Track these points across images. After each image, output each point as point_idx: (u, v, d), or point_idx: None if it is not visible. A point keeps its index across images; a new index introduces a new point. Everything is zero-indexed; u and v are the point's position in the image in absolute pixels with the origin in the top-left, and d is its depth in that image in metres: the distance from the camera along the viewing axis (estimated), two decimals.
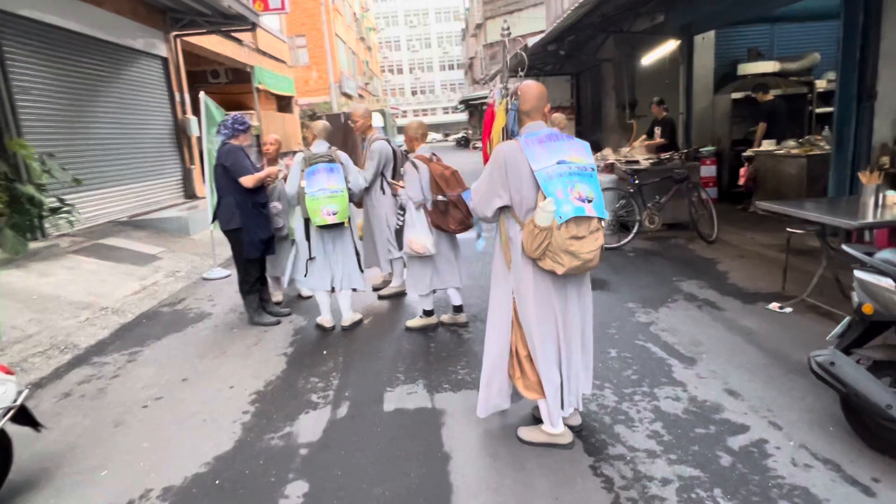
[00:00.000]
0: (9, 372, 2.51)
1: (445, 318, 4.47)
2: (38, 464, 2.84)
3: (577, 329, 2.60)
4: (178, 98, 10.55)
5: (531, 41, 10.62)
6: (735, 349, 3.63)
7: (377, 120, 21.86)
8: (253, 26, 10.51)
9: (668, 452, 2.57)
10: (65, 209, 6.39)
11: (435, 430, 2.93)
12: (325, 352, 4.12)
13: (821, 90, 9.01)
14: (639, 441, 2.68)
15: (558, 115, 7.87)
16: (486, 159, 2.70)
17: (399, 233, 4.17)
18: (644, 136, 8.72)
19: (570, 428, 2.78)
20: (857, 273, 2.47)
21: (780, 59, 9.35)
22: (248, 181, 4.38)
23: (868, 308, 2.36)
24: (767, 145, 7.94)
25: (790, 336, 3.76)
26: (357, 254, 4.56)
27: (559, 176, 2.37)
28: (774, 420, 2.77)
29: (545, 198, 2.35)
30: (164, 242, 7.74)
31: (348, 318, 4.55)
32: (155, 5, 9.67)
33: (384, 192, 5.06)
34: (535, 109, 2.56)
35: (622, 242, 6.53)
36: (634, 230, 6.58)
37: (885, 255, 2.44)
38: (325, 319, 4.54)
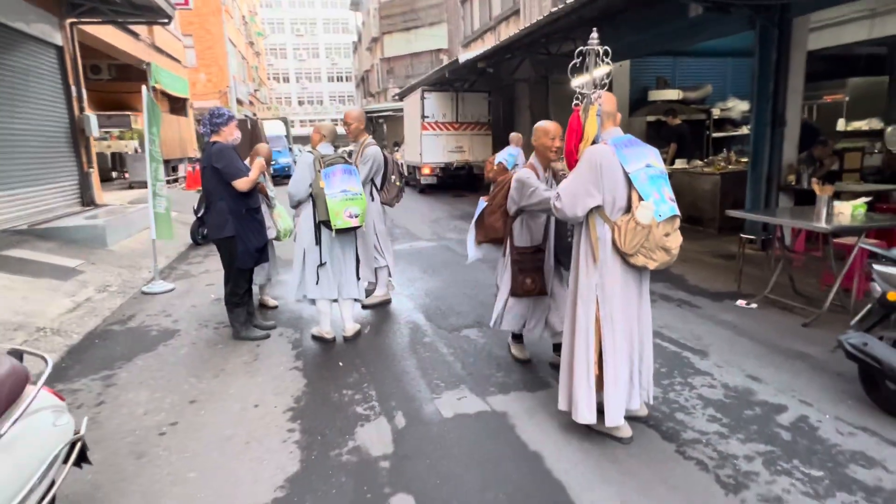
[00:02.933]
0: (60, 397, 2.10)
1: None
2: None
3: (649, 322, 2.79)
4: (74, 93, 9.34)
5: (463, 57, 10.92)
6: (731, 341, 4.05)
7: (278, 128, 20.92)
8: (169, 20, 9.63)
9: (734, 433, 2.82)
10: None
11: (508, 432, 2.93)
12: (340, 363, 3.91)
13: (716, 117, 10.34)
14: (703, 425, 2.91)
15: (515, 135, 8.25)
16: (571, 166, 2.79)
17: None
18: None
19: (639, 419, 2.94)
20: (877, 267, 2.92)
21: (682, 89, 10.58)
22: (243, 184, 4.05)
23: (893, 295, 2.81)
24: (680, 164, 8.92)
25: (768, 328, 4.27)
26: (358, 261, 4.40)
27: (650, 178, 2.56)
28: (802, 399, 3.15)
29: (640, 198, 2.52)
30: (79, 254, 6.78)
31: (350, 328, 4.36)
32: None
33: (373, 199, 4.94)
34: (613, 117, 2.74)
35: None
36: None
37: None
38: (327, 330, 4.29)
